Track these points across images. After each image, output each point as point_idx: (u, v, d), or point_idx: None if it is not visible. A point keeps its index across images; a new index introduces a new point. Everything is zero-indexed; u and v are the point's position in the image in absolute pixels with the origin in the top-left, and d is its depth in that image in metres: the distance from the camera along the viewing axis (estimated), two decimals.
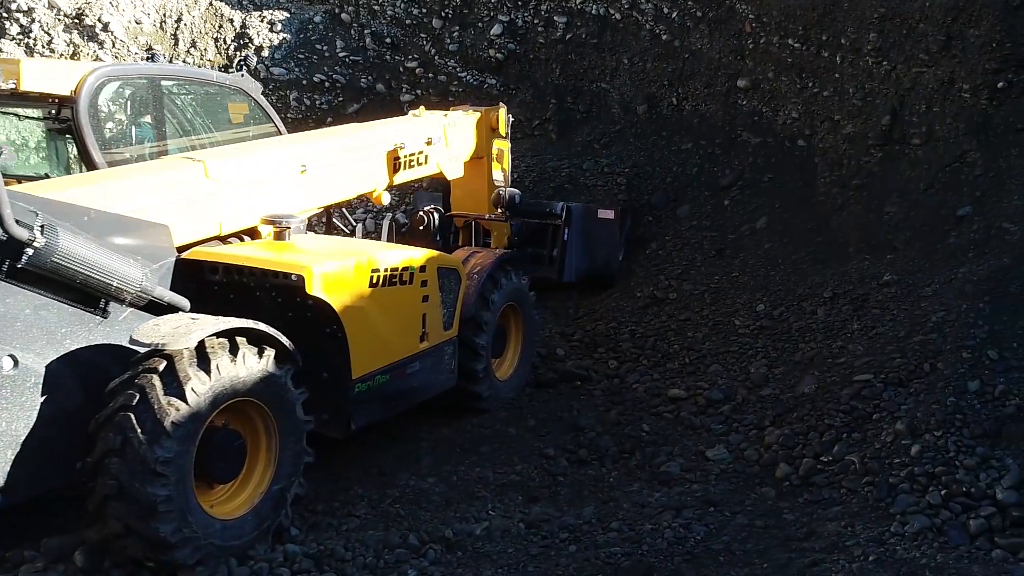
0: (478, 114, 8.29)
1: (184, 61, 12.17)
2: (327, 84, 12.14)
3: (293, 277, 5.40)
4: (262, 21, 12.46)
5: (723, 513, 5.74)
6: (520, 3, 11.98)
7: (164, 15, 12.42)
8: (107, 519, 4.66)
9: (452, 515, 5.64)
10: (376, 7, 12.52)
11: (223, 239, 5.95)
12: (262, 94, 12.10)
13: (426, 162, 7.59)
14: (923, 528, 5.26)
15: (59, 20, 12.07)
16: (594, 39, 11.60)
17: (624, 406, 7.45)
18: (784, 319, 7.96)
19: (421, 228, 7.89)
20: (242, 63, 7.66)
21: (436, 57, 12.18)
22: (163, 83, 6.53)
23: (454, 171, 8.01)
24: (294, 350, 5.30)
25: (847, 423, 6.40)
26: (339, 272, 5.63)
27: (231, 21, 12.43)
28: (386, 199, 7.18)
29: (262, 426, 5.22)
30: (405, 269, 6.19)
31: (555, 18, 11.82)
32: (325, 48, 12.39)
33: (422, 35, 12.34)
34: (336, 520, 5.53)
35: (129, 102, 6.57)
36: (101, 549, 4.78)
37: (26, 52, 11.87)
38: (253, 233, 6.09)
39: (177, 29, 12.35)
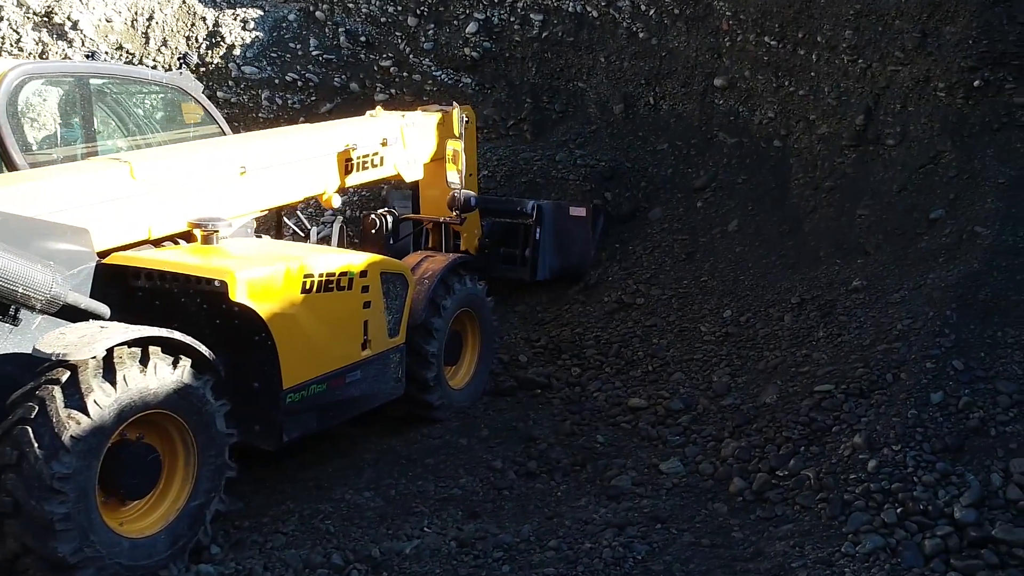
0: (439, 115, 8.07)
1: (154, 60, 11.97)
2: (300, 83, 11.91)
3: (216, 283, 5.19)
4: (235, 19, 12.24)
5: (670, 530, 5.49)
6: (496, 0, 11.73)
7: (136, 13, 12.21)
8: (4, 538, 4.44)
9: (384, 532, 5.41)
10: (351, 5, 12.28)
11: (156, 243, 5.74)
12: (239, 91, 11.98)
13: (381, 164, 7.37)
14: (876, 548, 4.99)
15: (28, 18, 11.88)
16: (571, 37, 11.34)
17: (582, 415, 7.21)
18: (751, 325, 7.70)
19: (373, 232, 7.63)
20: (182, 60, 7.39)
21: (411, 56, 11.94)
22: (92, 82, 6.29)
23: (412, 173, 7.78)
24: (214, 359, 5.08)
25: (805, 435, 6.14)
26: (266, 277, 5.40)
27: (203, 19, 12.21)
28: (337, 202, 6.95)
29: (179, 440, 5.00)
30: (343, 274, 5.96)
31: (531, 16, 11.56)
32: (299, 47, 12.16)
33: (397, 33, 12.10)
34: (261, 537, 5.30)
35: (54, 101, 6.33)
36: (2, 571, 4.55)
37: None
38: (189, 237, 5.87)
39: (148, 27, 12.14)
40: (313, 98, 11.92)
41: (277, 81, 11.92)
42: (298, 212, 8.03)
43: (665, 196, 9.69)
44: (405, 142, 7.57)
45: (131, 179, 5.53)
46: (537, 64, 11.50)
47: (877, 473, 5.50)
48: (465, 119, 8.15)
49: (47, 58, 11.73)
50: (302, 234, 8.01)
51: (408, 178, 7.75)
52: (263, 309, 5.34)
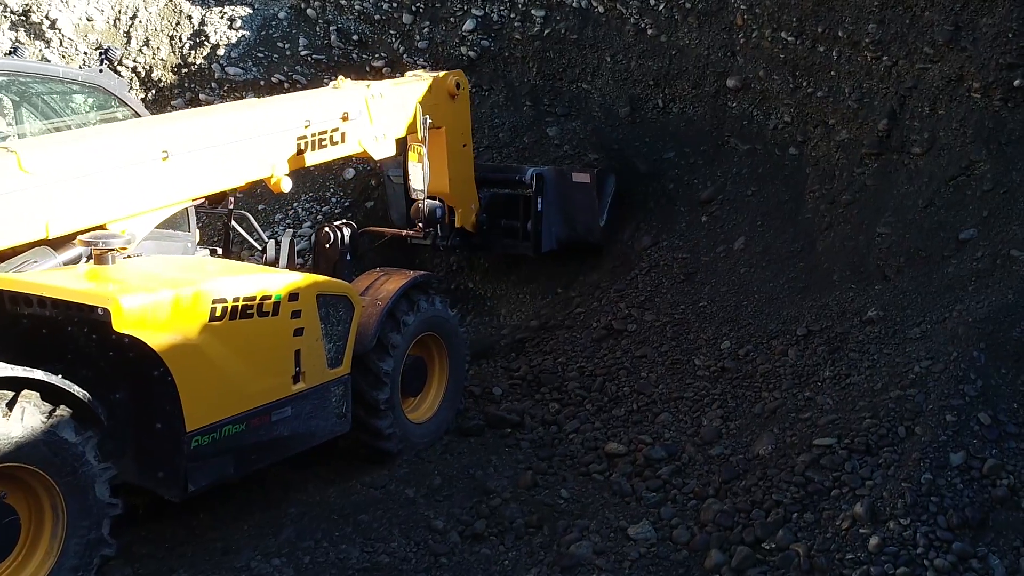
0: (424, 81, 7.30)
1: (135, 60, 11.32)
2: (286, 85, 11.15)
3: (99, 311, 4.44)
4: (222, 17, 11.54)
5: None
6: None
7: (119, 11, 11.57)
8: None
9: None
10: (344, 2, 11.51)
11: (52, 243, 4.99)
12: (222, 92, 11.26)
13: (343, 140, 6.58)
14: None
15: (5, 17, 11.30)
16: (574, 35, 10.44)
17: (551, 462, 6.32)
18: (750, 360, 6.74)
19: (327, 247, 6.81)
20: (103, 56, 6.62)
21: (405, 55, 11.13)
22: None
23: (381, 150, 6.96)
24: (99, 410, 4.30)
25: (799, 499, 5.20)
26: (160, 303, 4.64)
27: (189, 18, 11.53)
28: (286, 185, 6.17)
29: (48, 504, 4.23)
30: (266, 298, 5.20)
31: (533, 12, 10.67)
32: (287, 46, 11.42)
33: (391, 32, 11.30)
34: None
35: None
36: None
37: None
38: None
39: (131, 26, 11.50)
40: None
41: (263, 83, 11.17)
42: (251, 219, 7.21)
43: (668, 209, 8.74)
44: (371, 116, 6.77)
45: (19, 170, 4.78)
46: (538, 64, 10.61)
47: (880, 553, 4.56)
48: (457, 86, 7.57)
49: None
50: (259, 248, 7.21)
51: (376, 155, 6.98)
52: (156, 341, 4.59)
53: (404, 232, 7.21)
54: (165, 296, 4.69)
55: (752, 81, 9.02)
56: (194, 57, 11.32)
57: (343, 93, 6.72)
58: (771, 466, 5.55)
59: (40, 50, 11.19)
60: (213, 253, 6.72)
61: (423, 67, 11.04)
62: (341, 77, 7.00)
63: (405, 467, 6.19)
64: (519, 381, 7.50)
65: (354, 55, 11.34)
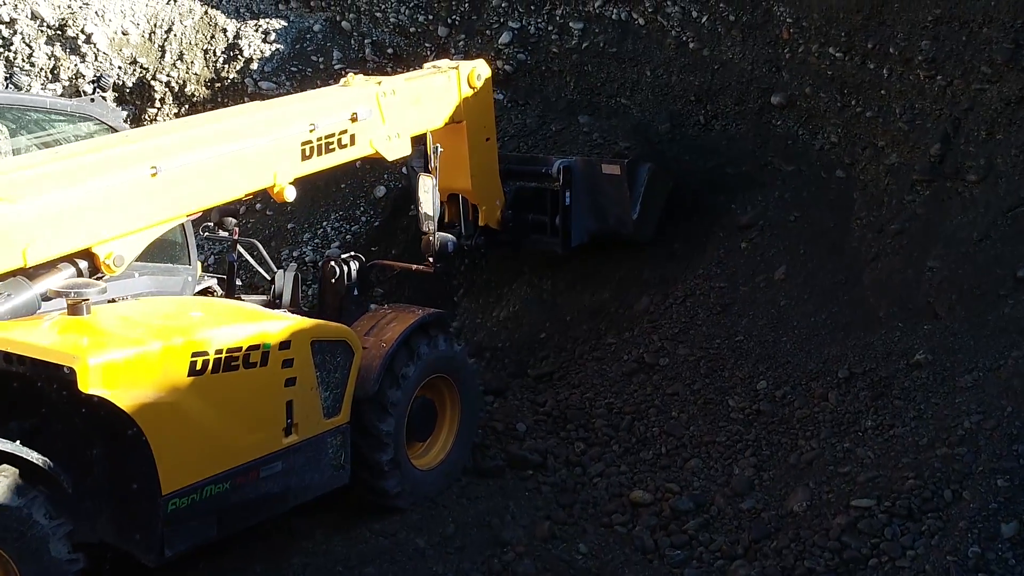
0: (442, 73, 6.97)
1: (169, 75, 11.20)
2: None
3: (65, 370, 4.18)
4: (256, 31, 11.38)
5: None
6: (533, 7, 10.55)
7: (154, 25, 11.47)
8: None
9: None
10: (379, 14, 11.28)
11: (27, 272, 4.63)
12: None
13: (352, 143, 6.16)
14: None
15: (41, 32, 11.26)
16: (613, 48, 10.07)
17: (571, 510, 5.98)
18: (787, 402, 6.33)
19: (333, 281, 6.50)
20: (95, 85, 6.37)
21: None
22: None
23: (395, 150, 6.53)
24: (53, 470, 4.07)
25: (833, 567, 4.81)
26: (132, 361, 4.37)
27: (224, 31, 11.38)
28: (290, 194, 5.77)
29: (1, 571, 4.01)
30: (253, 348, 4.90)
31: (571, 24, 10.33)
32: (320, 59, 11.21)
33: (426, 44, 11.04)
34: None
35: None
36: None
37: (5, 65, 11.09)
38: (92, 258, 4.81)
39: (166, 40, 11.38)
40: None
41: None
42: (260, 247, 6.94)
43: (706, 233, 8.33)
44: (384, 115, 6.33)
45: None
46: (576, 78, 10.26)
47: None
48: (479, 76, 7.21)
49: (58, 74, 11.11)
50: (267, 277, 6.94)
51: (390, 156, 6.53)
52: (127, 401, 4.32)
53: (414, 267, 6.76)
54: (138, 352, 4.41)
55: (798, 98, 8.57)
56: (227, 71, 11.18)
57: (352, 91, 6.32)
58: (804, 526, 5.15)
59: (76, 64, 11.13)
60: (221, 283, 6.47)
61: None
62: (351, 74, 6.64)
63: (418, 512, 5.90)
64: (544, 417, 7.16)
65: (388, 68, 11.10)
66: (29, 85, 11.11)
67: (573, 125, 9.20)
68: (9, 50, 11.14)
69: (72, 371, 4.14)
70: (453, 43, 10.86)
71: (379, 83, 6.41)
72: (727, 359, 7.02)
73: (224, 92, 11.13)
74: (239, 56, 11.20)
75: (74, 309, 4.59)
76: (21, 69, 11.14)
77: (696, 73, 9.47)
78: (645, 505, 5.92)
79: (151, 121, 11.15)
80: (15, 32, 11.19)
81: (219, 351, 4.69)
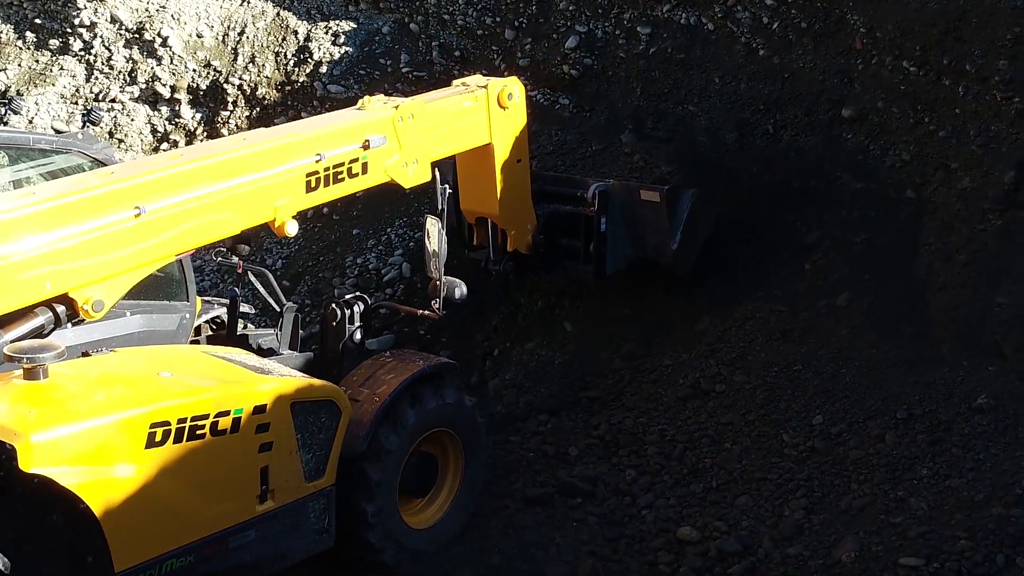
0: (468, 94, 6.62)
1: (240, 78, 11.38)
2: None
3: (8, 446, 3.99)
4: (327, 33, 11.48)
5: None
6: (600, 11, 10.40)
7: (228, 27, 11.66)
8: None
9: None
10: (446, 16, 11.26)
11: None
12: (323, 111, 11.18)
13: (364, 171, 5.83)
14: None
15: (120, 35, 11.55)
16: (681, 54, 9.88)
17: (617, 545, 5.96)
18: (842, 441, 6.19)
19: (335, 324, 6.15)
20: (85, 118, 6.05)
21: (505, 73, 10.77)
22: None
23: (413, 177, 6.17)
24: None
25: None
26: (81, 435, 4.16)
27: (295, 33, 11.51)
28: (292, 228, 5.48)
29: None
30: (222, 415, 4.64)
31: (638, 28, 10.16)
32: (388, 63, 11.27)
33: (493, 47, 10.99)
34: None
35: None
36: None
37: (86, 69, 11.43)
38: (70, 303, 4.61)
39: (238, 43, 11.57)
40: None
41: None
42: (269, 276, 6.73)
43: (769, 252, 8.14)
44: (400, 140, 6.01)
45: None
46: (642, 84, 10.10)
47: None
48: (510, 96, 6.83)
49: (136, 77, 11.39)
50: (277, 308, 6.68)
51: (407, 184, 6.19)
52: (73, 478, 4.10)
53: (419, 312, 6.28)
54: (89, 427, 4.21)
55: (870, 112, 8.31)
56: (297, 75, 11.32)
57: (365, 117, 5.98)
58: None
59: (152, 68, 11.39)
60: (233, 313, 6.28)
61: (524, 84, 10.71)
62: (367, 97, 6.35)
63: (464, 543, 5.95)
64: (596, 441, 7.13)
65: (455, 71, 11.08)
66: (108, 88, 11.43)
67: (615, 145, 8.97)
68: (89, 53, 11.47)
69: (12, 449, 3.95)
70: (520, 46, 10.81)
71: (396, 107, 6.09)
72: (784, 389, 6.88)
73: (294, 95, 11.28)
74: (309, 59, 11.33)
75: (30, 373, 4.37)
76: (101, 71, 11.47)
77: (765, 82, 9.25)
78: (691, 543, 5.86)
79: (223, 124, 11.38)
80: (95, 36, 11.51)
81: (182, 420, 4.48)
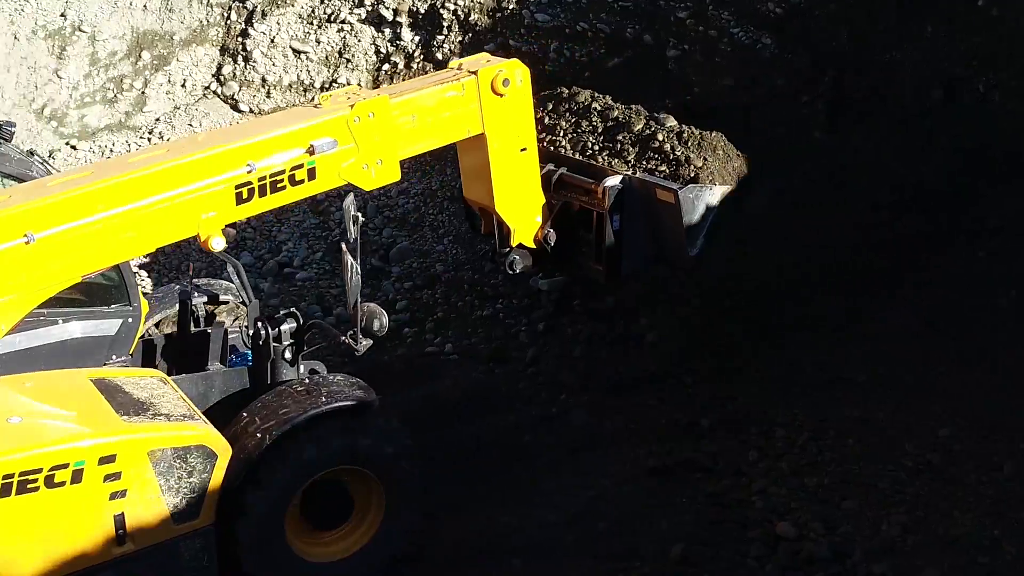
0: (453, 82, 6.17)
1: (456, 3, 11.79)
2: (590, 34, 11.10)
3: None
4: None
5: None
6: None
7: None
8: None
9: None
10: None
11: None
12: (529, 39, 11.39)
13: (312, 177, 5.60)
14: None
15: None
16: None
17: (715, 531, 6.24)
18: (960, 461, 6.02)
19: (261, 344, 5.98)
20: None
21: (711, 7, 10.54)
22: None
23: (376, 177, 5.88)
24: None
25: None
26: None
27: None
28: (217, 244, 5.34)
29: None
30: (59, 468, 4.68)
31: None
32: None
33: None
34: None
35: None
36: None
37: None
38: None
39: None
40: (602, 51, 11.06)
41: (568, 30, 11.21)
42: (241, 269, 6.85)
43: (947, 226, 7.72)
44: (357, 141, 5.73)
45: None
46: (849, 28, 9.56)
47: None
48: (505, 82, 6.29)
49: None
50: (246, 303, 6.84)
51: (367, 186, 5.91)
52: None
53: (342, 338, 5.84)
54: None
55: None
56: (508, 1, 11.58)
57: (314, 119, 5.67)
58: None
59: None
60: (185, 312, 6.39)
61: (727, 21, 10.41)
62: (323, 94, 6.16)
63: (577, 506, 6.45)
64: (730, 414, 7.32)
65: (660, 2, 10.92)
66: (339, 9, 12.23)
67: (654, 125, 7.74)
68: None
69: None
70: None
71: (352, 106, 5.75)
72: (926, 388, 6.70)
73: (504, 22, 11.59)
74: None
75: None
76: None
77: (981, 33, 8.54)
78: (787, 540, 6.03)
79: (438, 48, 11.88)
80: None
81: (8, 476, 4.55)
